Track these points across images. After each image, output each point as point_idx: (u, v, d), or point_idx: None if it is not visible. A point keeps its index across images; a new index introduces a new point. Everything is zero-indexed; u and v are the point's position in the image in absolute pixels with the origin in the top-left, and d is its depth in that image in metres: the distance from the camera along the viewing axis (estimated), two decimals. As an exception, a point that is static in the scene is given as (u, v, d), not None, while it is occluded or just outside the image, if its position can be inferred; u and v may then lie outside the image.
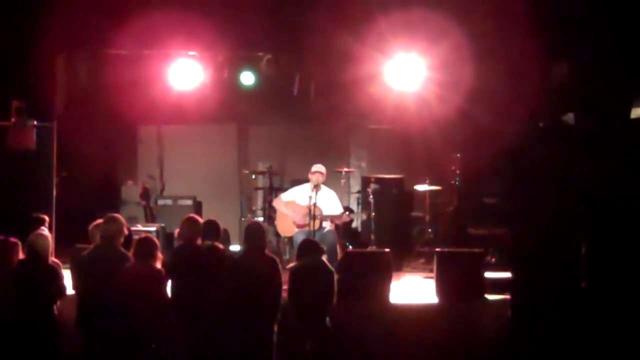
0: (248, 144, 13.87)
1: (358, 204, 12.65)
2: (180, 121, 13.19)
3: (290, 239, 11.06)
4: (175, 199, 12.60)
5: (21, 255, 7.86)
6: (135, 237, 10.10)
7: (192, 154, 13.51)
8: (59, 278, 7.78)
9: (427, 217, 12.17)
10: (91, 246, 7.96)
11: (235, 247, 11.57)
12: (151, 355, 7.55)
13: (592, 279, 8.75)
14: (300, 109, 12.81)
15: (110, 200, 12.45)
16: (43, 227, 8.95)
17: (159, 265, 7.69)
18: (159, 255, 7.73)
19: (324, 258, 8.13)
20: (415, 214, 12.74)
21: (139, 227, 11.08)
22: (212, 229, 8.07)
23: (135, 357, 7.56)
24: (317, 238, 9.68)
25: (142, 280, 7.54)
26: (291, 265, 8.33)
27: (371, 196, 11.49)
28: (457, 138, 12.15)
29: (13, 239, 7.95)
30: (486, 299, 9.27)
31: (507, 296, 9.16)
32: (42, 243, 7.76)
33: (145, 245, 7.69)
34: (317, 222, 10.44)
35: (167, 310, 7.60)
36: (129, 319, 7.48)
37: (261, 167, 13.02)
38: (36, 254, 7.71)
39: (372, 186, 11.71)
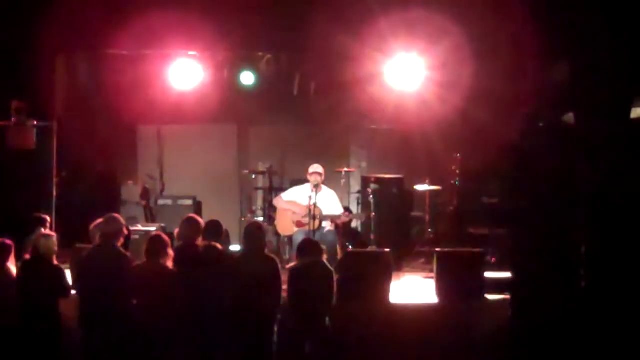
0: (248, 144, 13.86)
1: (358, 204, 12.64)
2: (180, 121, 13.18)
3: (290, 238, 11.05)
4: (175, 199, 12.57)
5: (26, 256, 7.91)
6: (135, 237, 10.22)
7: (192, 154, 13.50)
8: (63, 278, 7.79)
9: (427, 217, 12.17)
10: (91, 246, 7.97)
11: (235, 247, 11.57)
12: (155, 355, 7.55)
13: (591, 279, 8.75)
14: (300, 109, 12.82)
15: (110, 200, 12.44)
16: (42, 228, 8.99)
17: (170, 263, 7.70)
18: (170, 253, 7.74)
19: (324, 258, 8.12)
20: (415, 214, 12.72)
21: (139, 227, 11.07)
22: (214, 229, 8.07)
23: (139, 357, 7.56)
24: (317, 238, 9.68)
25: (153, 279, 7.55)
26: (291, 265, 8.33)
27: (371, 196, 11.48)
28: (457, 138, 12.15)
29: (8, 241, 7.97)
30: (486, 299, 9.27)
31: (507, 296, 9.16)
32: (46, 243, 7.77)
33: (156, 244, 7.71)
34: (317, 222, 10.44)
35: (177, 310, 7.59)
36: (137, 318, 7.49)
37: (261, 167, 13.01)
38: (41, 255, 7.72)
39: (372, 186, 11.70)
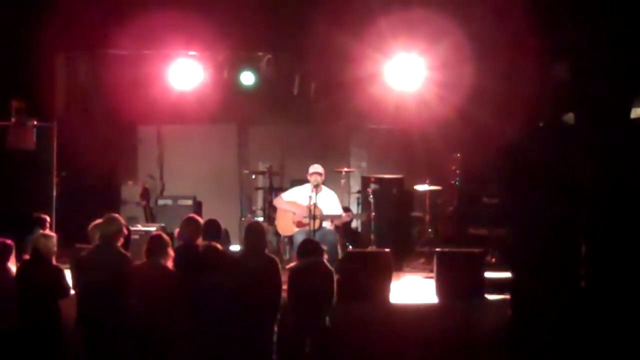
0: (248, 144, 13.87)
1: (358, 204, 12.64)
2: (180, 121, 13.19)
3: (290, 238, 11.05)
4: (175, 199, 12.59)
5: (26, 256, 7.91)
6: (135, 237, 10.22)
7: (192, 154, 13.50)
8: (63, 278, 7.79)
9: (427, 217, 12.16)
10: (91, 246, 7.97)
11: (235, 247, 11.57)
12: (155, 355, 7.55)
13: (591, 279, 8.75)
14: (300, 109, 12.81)
15: (110, 200, 12.44)
16: (42, 228, 8.99)
17: (170, 263, 7.70)
18: (170, 252, 7.73)
19: (325, 258, 8.12)
20: (415, 214, 12.72)
21: (139, 227, 11.07)
22: (213, 229, 8.07)
23: (139, 357, 7.56)
24: (317, 238, 9.67)
25: (153, 279, 7.55)
26: (291, 265, 8.33)
27: (371, 196, 11.49)
28: (457, 138, 12.15)
29: (8, 241, 7.97)
30: (486, 299, 9.28)
31: (507, 296, 9.16)
32: (46, 243, 7.77)
33: (156, 244, 7.70)
34: (317, 222, 10.44)
35: (177, 310, 7.59)
36: (137, 318, 7.49)
37: (261, 167, 13.01)
38: (40, 254, 7.73)
39: (372, 186, 11.71)
